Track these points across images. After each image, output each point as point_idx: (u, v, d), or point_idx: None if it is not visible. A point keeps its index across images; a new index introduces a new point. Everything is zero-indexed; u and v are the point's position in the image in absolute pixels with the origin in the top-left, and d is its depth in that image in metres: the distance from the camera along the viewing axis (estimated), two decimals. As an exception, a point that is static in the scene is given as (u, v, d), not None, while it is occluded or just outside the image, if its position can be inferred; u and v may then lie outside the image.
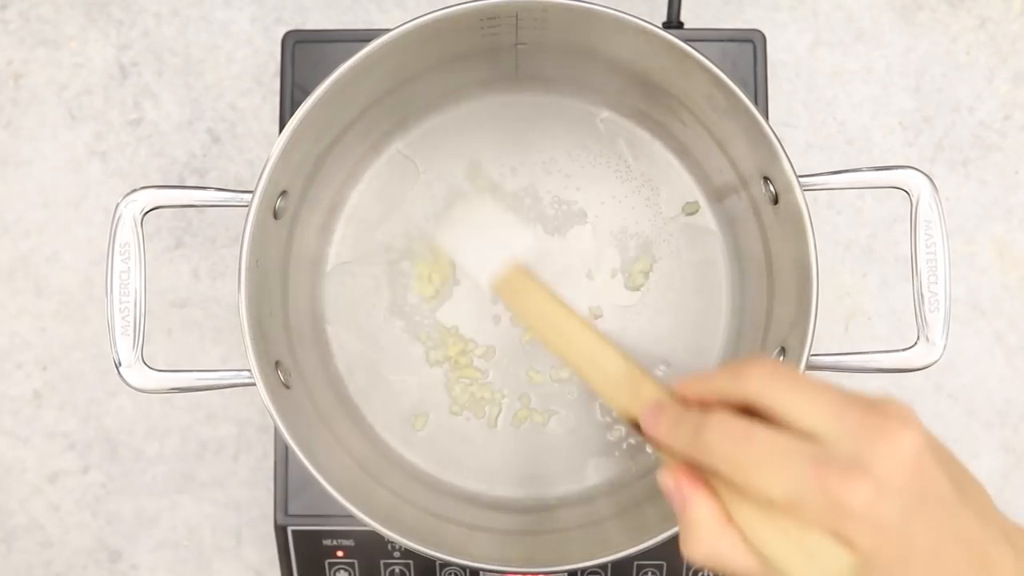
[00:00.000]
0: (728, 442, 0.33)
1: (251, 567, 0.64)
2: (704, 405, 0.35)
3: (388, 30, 0.46)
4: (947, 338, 0.48)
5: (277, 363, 0.49)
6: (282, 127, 0.49)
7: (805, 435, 0.32)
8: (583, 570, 0.53)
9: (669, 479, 0.35)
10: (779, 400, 0.33)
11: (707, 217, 0.57)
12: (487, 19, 0.48)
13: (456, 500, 0.55)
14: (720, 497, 0.34)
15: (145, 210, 0.48)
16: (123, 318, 0.47)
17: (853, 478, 0.31)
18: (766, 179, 0.49)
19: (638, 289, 0.57)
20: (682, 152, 0.57)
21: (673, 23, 0.59)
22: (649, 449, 0.56)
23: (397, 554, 0.56)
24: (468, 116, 0.57)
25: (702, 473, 0.34)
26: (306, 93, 0.46)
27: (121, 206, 0.47)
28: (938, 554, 0.32)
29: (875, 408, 0.32)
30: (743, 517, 0.33)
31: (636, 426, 0.38)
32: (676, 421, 0.36)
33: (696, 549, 0.34)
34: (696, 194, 0.57)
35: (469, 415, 0.57)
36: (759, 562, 0.33)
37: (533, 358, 0.57)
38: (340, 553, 0.56)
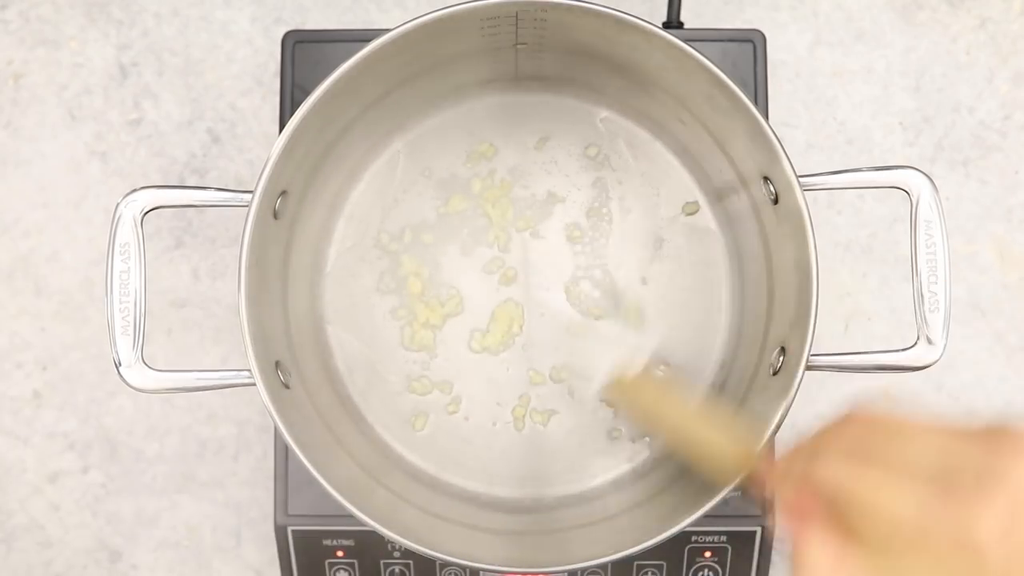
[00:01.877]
0: (849, 465, 0.31)
1: (251, 567, 0.64)
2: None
3: (388, 30, 0.46)
4: (947, 338, 0.48)
5: (277, 363, 0.49)
6: (282, 127, 0.49)
7: (929, 462, 0.30)
8: (583, 570, 0.53)
9: (788, 513, 0.33)
10: (898, 432, 0.31)
11: (707, 217, 0.57)
12: (487, 19, 0.48)
13: (456, 500, 0.55)
14: (842, 534, 0.32)
15: (145, 210, 0.47)
16: (123, 318, 0.47)
17: (983, 493, 0.28)
18: (766, 179, 0.49)
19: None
20: (682, 152, 0.57)
21: (673, 23, 0.59)
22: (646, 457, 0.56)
23: (397, 554, 0.56)
24: (468, 116, 0.57)
25: (823, 512, 0.32)
26: (306, 93, 0.46)
27: (121, 206, 0.47)
28: None
29: (991, 431, 0.30)
30: (865, 551, 0.31)
31: (748, 485, 0.40)
32: (796, 457, 0.34)
33: None
34: (696, 194, 0.57)
35: (469, 415, 0.57)
36: None
37: (533, 359, 0.57)
38: (340, 553, 0.56)
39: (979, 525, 0.28)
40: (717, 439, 0.43)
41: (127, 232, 0.47)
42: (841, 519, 0.31)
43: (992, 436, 0.30)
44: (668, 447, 0.51)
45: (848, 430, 0.33)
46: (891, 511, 0.30)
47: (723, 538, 0.56)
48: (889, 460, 0.31)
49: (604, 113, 0.57)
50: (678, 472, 0.53)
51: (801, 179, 0.47)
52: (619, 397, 0.52)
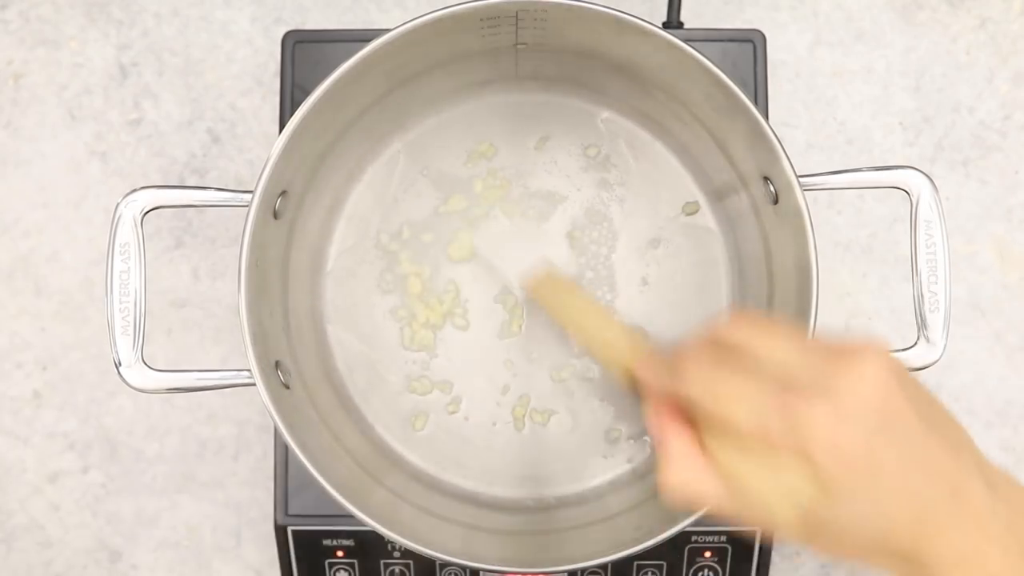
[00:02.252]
0: (701, 373, 0.36)
1: (251, 567, 0.64)
2: None
3: (388, 30, 0.46)
4: (947, 338, 0.48)
5: (277, 363, 0.49)
6: (282, 127, 0.49)
7: (774, 371, 0.34)
8: (583, 570, 0.53)
9: (652, 413, 0.39)
10: (751, 343, 0.36)
11: (707, 217, 0.57)
12: (487, 19, 0.48)
13: (456, 500, 0.55)
14: (699, 433, 0.37)
15: (145, 210, 0.48)
16: (123, 318, 0.47)
17: (814, 401, 0.32)
18: (766, 179, 0.49)
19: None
20: (682, 152, 0.57)
21: (673, 23, 0.59)
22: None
23: (397, 554, 0.56)
24: (468, 116, 0.57)
25: (685, 412, 0.37)
26: (306, 93, 0.46)
27: (121, 206, 0.47)
28: (904, 481, 0.33)
29: (841, 346, 0.34)
30: (717, 449, 0.36)
31: (633, 383, 0.42)
32: (663, 363, 0.39)
33: (669, 476, 0.37)
34: (696, 194, 0.57)
35: (469, 415, 0.57)
36: (727, 488, 0.36)
37: (533, 359, 0.57)
38: (340, 553, 0.56)
39: (805, 429, 0.32)
40: (613, 339, 0.46)
41: (127, 232, 0.47)
42: (701, 419, 0.36)
43: (836, 350, 0.34)
44: (577, 344, 0.55)
45: (712, 342, 0.37)
46: (736, 409, 0.34)
47: (723, 538, 0.56)
48: (742, 364, 0.35)
49: (604, 113, 0.57)
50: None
51: (801, 179, 0.47)
52: (534, 296, 0.54)
